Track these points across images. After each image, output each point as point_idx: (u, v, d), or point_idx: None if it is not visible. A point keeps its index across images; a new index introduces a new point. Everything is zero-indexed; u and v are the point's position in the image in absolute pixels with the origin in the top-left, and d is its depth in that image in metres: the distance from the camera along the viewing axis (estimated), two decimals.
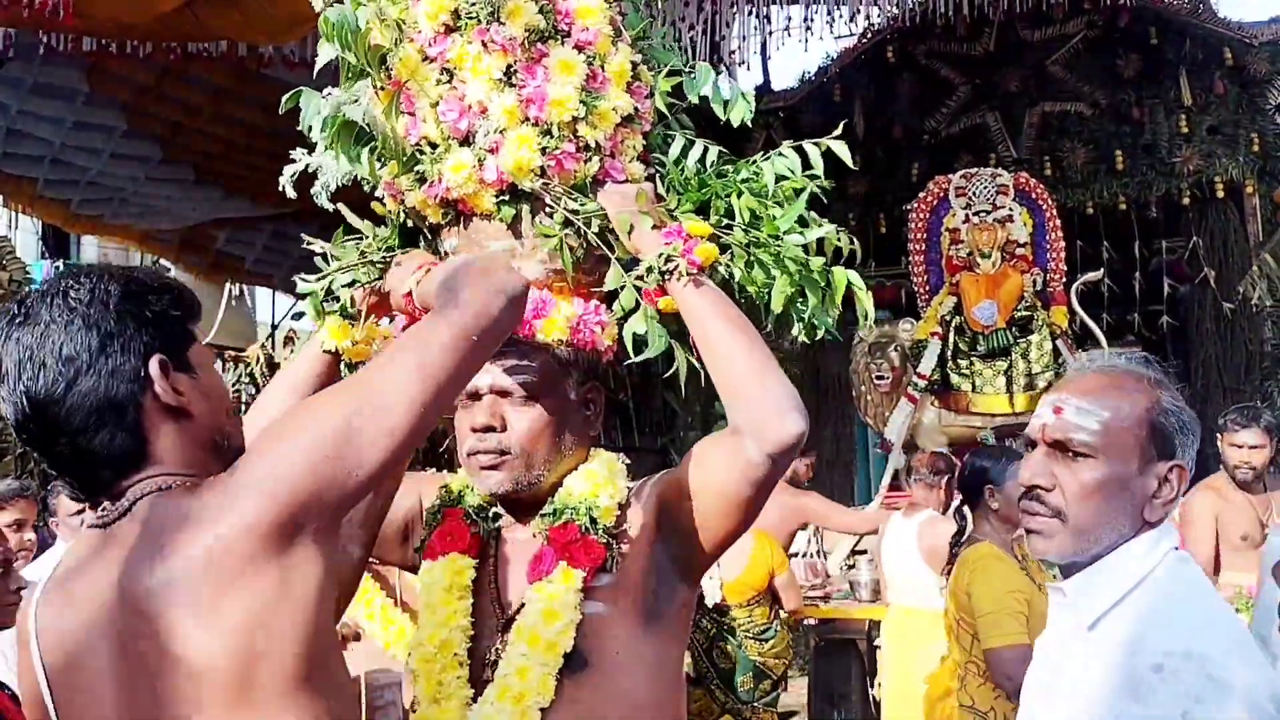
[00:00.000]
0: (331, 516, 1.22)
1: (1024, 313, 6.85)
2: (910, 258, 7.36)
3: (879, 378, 7.11)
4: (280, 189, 1.77)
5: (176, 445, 1.27)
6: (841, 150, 1.74)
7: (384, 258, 1.76)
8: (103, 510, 1.27)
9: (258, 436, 1.25)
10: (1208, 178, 8.07)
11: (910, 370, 7.07)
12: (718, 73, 1.78)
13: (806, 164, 1.76)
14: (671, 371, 1.68)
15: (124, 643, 1.17)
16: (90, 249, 11.32)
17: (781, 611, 5.04)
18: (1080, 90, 8.54)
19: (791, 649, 5.23)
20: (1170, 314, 8.57)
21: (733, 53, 8.73)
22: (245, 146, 7.86)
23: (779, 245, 1.65)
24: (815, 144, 1.74)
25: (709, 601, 4.83)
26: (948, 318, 7.07)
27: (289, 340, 11.11)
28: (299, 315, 1.88)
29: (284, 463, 1.19)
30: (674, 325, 1.67)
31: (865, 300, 1.70)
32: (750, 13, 8.31)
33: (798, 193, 1.71)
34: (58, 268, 13.60)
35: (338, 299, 1.77)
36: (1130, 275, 8.44)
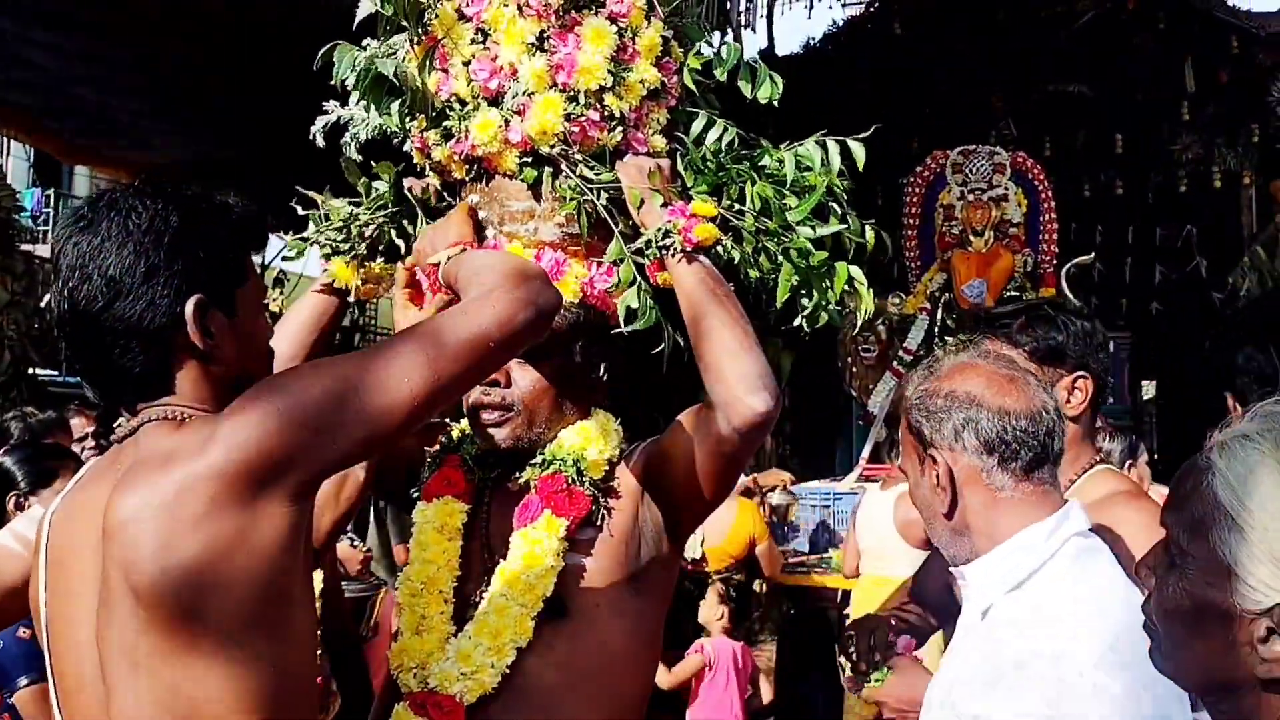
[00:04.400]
0: (305, 480, 1.24)
1: (1013, 293, 6.88)
2: (903, 232, 7.38)
3: (865, 350, 7.16)
4: (308, 136, 1.79)
5: (197, 382, 1.31)
6: (858, 151, 1.77)
7: (371, 217, 1.78)
8: (118, 426, 1.33)
9: (255, 386, 1.28)
10: (1206, 167, 8.10)
11: (897, 344, 7.12)
12: (723, 35, 1.80)
13: (846, 151, 1.79)
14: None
15: (101, 561, 1.22)
16: (82, 178, 11.22)
17: (757, 581, 5.13)
18: (1084, 71, 8.53)
19: (767, 617, 5.33)
20: (1160, 301, 8.65)
21: (739, 14, 8.69)
22: (244, 87, 7.78)
23: (788, 237, 1.68)
24: (839, 141, 1.77)
25: (687, 556, 4.91)
26: (937, 294, 7.10)
27: (278, 281, 11.09)
28: (290, 257, 1.91)
29: (264, 419, 1.21)
30: (673, 304, 1.70)
31: (866, 298, 1.74)
32: None
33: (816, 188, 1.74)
34: (48, 196, 13.50)
35: (346, 240, 1.80)
36: (1122, 260, 8.50)
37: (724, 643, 4.51)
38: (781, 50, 9.60)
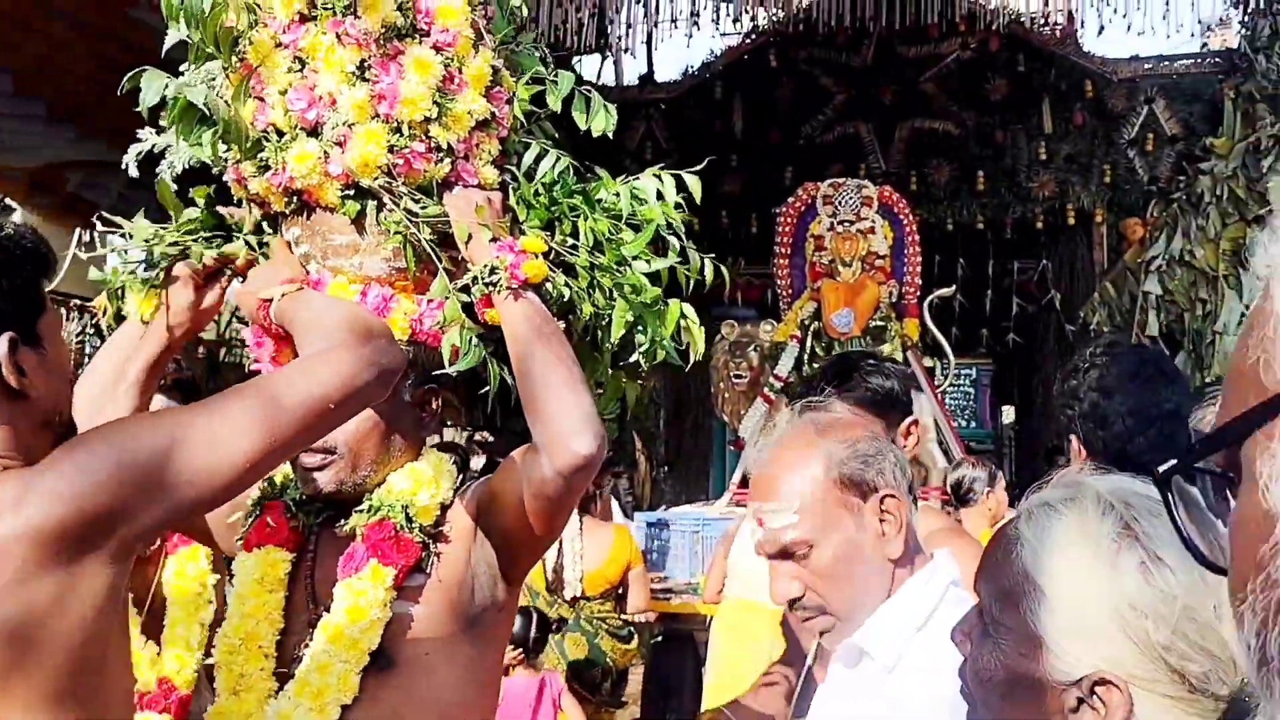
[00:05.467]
0: (127, 540, 1.16)
1: (879, 323, 7.05)
2: (775, 260, 7.50)
3: (737, 376, 7.23)
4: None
5: (11, 427, 1.21)
6: (694, 185, 1.75)
7: (181, 239, 1.70)
8: None
9: (76, 438, 1.20)
10: (1061, 204, 8.50)
11: (768, 371, 7.21)
12: (603, 58, 1.77)
13: (682, 185, 1.77)
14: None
15: None
16: None
17: (624, 614, 5.08)
18: (949, 109, 8.87)
19: (638, 649, 5.28)
20: (1017, 332, 9.00)
21: (619, 38, 8.75)
22: (104, 87, 7.48)
23: (620, 273, 1.66)
24: (674, 174, 1.76)
25: (568, 594, 4.84)
26: (807, 322, 7.23)
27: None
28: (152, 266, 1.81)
29: (85, 476, 1.13)
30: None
31: (697, 336, 1.73)
32: (638, 2, 8.34)
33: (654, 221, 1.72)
34: None
35: (147, 264, 1.71)
36: (982, 292, 8.82)
37: (513, 683, 4.37)
38: (661, 76, 9.72)
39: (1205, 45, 8.97)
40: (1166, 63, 8.69)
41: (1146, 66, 8.67)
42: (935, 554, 1.53)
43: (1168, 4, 7.29)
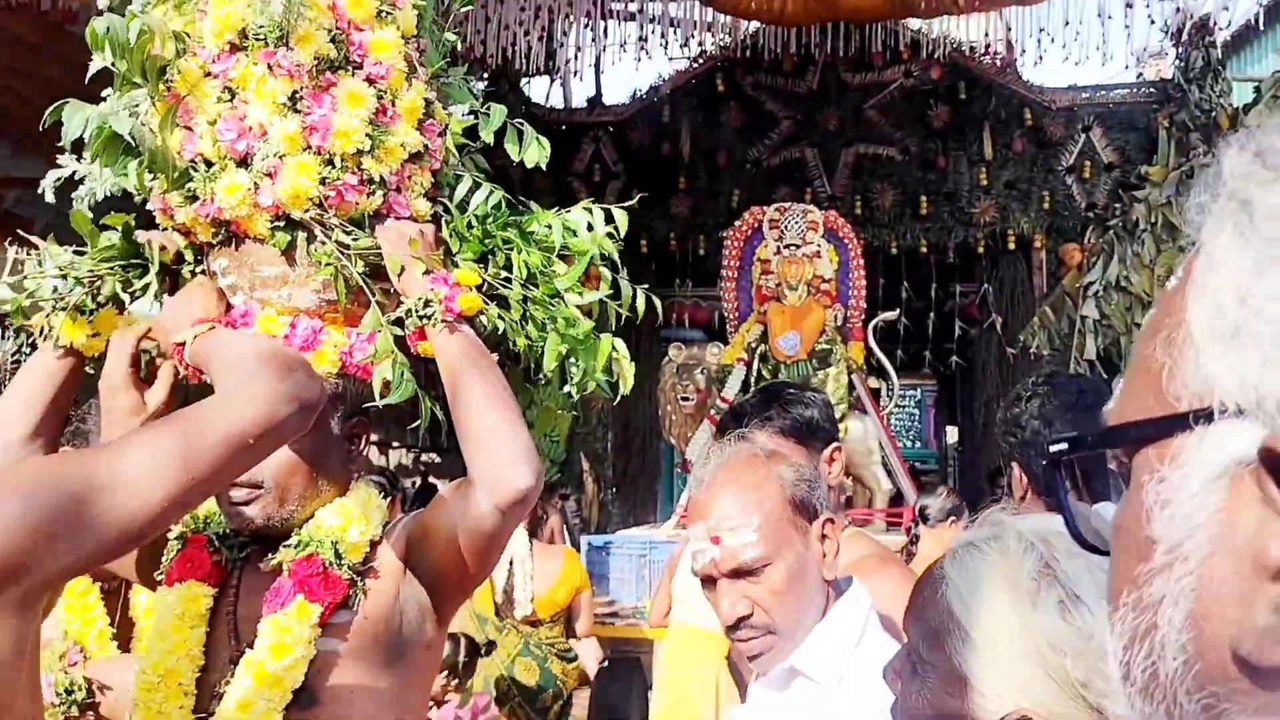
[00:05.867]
0: (37, 586, 1.11)
1: (824, 346, 7.10)
2: (722, 284, 7.54)
3: (684, 399, 7.25)
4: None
5: None
6: (621, 218, 1.75)
7: (95, 267, 1.67)
8: None
9: None
10: (1001, 229, 8.65)
11: (715, 394, 7.24)
12: (552, 81, 1.77)
13: (611, 218, 1.77)
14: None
15: None
16: None
17: (573, 637, 5.06)
18: (893, 135, 9.00)
19: (579, 667, 5.26)
20: (960, 354, 9.12)
21: (568, 62, 8.78)
22: (42, 104, 7.35)
23: (553, 306, 1.66)
24: (603, 208, 1.76)
25: (519, 614, 4.81)
26: (754, 345, 7.27)
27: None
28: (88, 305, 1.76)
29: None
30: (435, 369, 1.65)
31: (627, 370, 1.73)
32: (586, 26, 8.37)
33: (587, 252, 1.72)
34: None
35: (57, 292, 1.67)
36: (926, 315, 8.94)
37: (443, 713, 4.31)
38: (609, 99, 9.76)
39: (1140, 75, 9.18)
40: (1103, 92, 8.91)
41: (1084, 95, 8.88)
42: (844, 580, 1.57)
43: (1103, 35, 7.47)
